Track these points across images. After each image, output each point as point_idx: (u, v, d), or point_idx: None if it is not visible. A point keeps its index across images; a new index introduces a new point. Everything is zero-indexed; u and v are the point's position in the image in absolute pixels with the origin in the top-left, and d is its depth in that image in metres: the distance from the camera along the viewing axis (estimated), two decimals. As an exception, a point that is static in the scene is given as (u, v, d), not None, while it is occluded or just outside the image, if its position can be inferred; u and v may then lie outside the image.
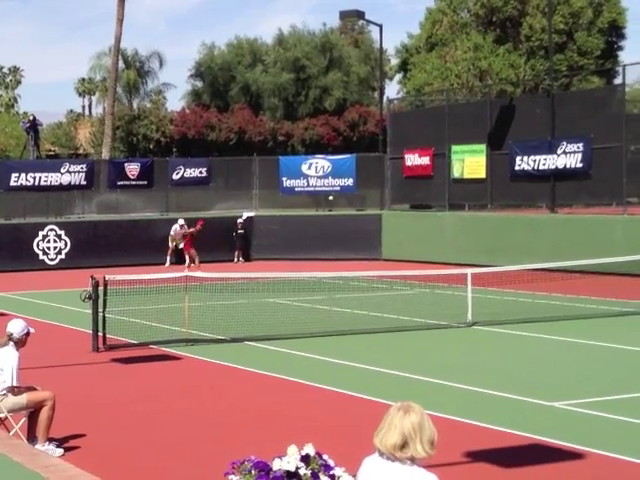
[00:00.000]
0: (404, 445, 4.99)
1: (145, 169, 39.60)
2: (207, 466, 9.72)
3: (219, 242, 37.17)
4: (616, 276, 25.72)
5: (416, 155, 36.78)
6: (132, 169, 39.32)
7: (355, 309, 22.19)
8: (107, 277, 17.91)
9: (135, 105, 67.59)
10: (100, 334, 17.34)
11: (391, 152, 38.48)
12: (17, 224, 36.71)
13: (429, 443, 4.98)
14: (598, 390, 13.40)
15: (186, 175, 40.23)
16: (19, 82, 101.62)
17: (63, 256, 36.10)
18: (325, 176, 39.87)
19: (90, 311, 17.52)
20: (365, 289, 25.86)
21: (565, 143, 31.24)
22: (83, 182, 38.34)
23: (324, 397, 13.33)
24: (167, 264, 35.18)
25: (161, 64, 68.40)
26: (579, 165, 30.86)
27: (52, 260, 35.98)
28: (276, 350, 17.26)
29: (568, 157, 31.16)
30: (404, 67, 63.54)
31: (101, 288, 17.51)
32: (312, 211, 40.77)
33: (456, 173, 35.19)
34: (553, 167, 31.64)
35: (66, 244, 36.19)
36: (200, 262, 33.94)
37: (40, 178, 37.67)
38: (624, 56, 60.91)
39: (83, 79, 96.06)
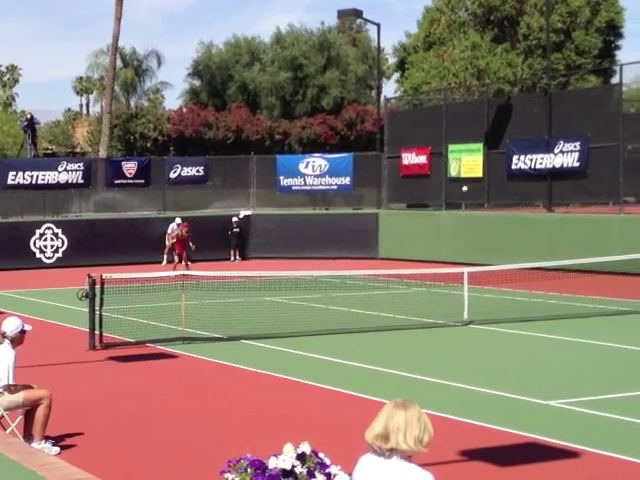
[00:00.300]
0: (386, 436, 4.99)
1: (142, 168, 39.60)
2: (204, 464, 9.73)
3: (216, 241, 37.19)
4: (612, 275, 25.73)
5: (413, 154, 36.79)
6: (129, 168, 39.32)
7: (352, 308, 22.20)
8: (104, 275, 17.92)
9: (133, 104, 67.56)
10: (97, 332, 17.35)
11: (388, 151, 38.49)
12: (14, 222, 36.72)
13: (414, 439, 4.97)
14: (594, 389, 13.41)
15: (183, 174, 40.23)
16: (17, 81, 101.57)
17: (60, 254, 36.11)
18: (322, 175, 39.88)
19: (87, 309, 17.53)
20: (362, 288, 25.88)
21: (562, 142, 31.25)
22: (80, 181, 38.33)
23: (321, 396, 13.34)
24: (164, 263, 35.18)
25: (159, 63, 68.41)
26: (576, 164, 30.88)
27: (49, 258, 35.98)
28: (273, 349, 17.27)
29: (565, 156, 31.18)
30: (402, 66, 63.60)
31: (98, 286, 17.53)
32: (309, 210, 40.77)
33: (453, 172, 35.20)
34: (550, 166, 31.66)
35: (63, 242, 36.19)
36: (191, 262, 34.10)
37: (37, 176, 37.66)
38: (621, 55, 61.18)
39: (81, 77, 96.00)
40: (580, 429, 11.28)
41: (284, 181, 40.34)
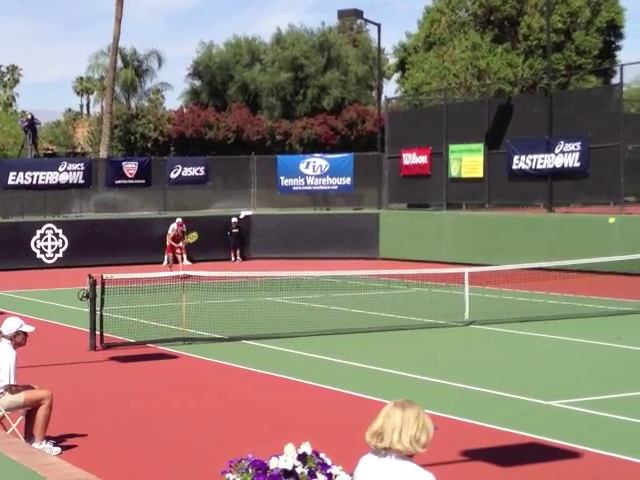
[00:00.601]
0: (381, 435, 4.99)
1: (143, 168, 39.61)
2: (205, 465, 9.73)
3: (217, 241, 37.21)
4: (613, 275, 25.73)
5: (414, 154, 36.79)
6: (130, 168, 39.32)
7: (352, 308, 22.20)
8: (105, 276, 17.93)
9: (133, 104, 67.60)
10: (97, 333, 17.35)
11: (389, 151, 38.50)
12: (15, 223, 36.72)
13: (410, 438, 4.96)
14: (595, 389, 13.41)
15: (184, 174, 40.23)
16: (17, 81, 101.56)
17: (61, 255, 36.11)
18: (323, 175, 39.88)
19: (88, 310, 17.53)
20: (362, 288, 25.88)
21: (563, 142, 31.25)
22: (81, 181, 38.33)
23: (322, 396, 13.34)
24: (165, 263, 35.19)
25: (160, 63, 68.46)
26: (576, 164, 30.87)
27: (50, 259, 35.99)
28: (274, 349, 17.27)
29: (566, 156, 31.18)
30: (402, 66, 63.58)
31: (99, 287, 17.53)
32: (310, 210, 40.77)
33: (454, 172, 35.20)
34: (551, 166, 31.65)
35: (64, 243, 36.19)
36: (192, 262, 34.23)
37: (38, 177, 37.66)
38: (622, 55, 61.17)
39: (81, 78, 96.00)
40: (581, 429, 11.28)
41: (285, 181, 40.35)
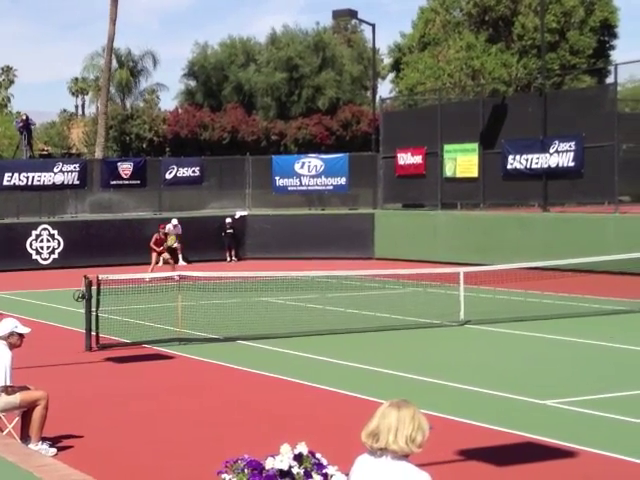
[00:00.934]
0: (377, 435, 5.01)
1: (138, 168, 39.58)
2: (201, 465, 9.74)
3: (213, 241, 37.24)
4: (608, 275, 25.76)
5: (409, 154, 36.82)
6: (125, 169, 39.30)
7: (348, 308, 22.22)
8: (100, 276, 17.93)
9: (128, 105, 67.56)
10: (93, 333, 17.35)
11: (384, 151, 38.51)
12: (10, 224, 36.68)
13: (406, 438, 4.98)
14: (590, 388, 13.44)
15: (179, 174, 40.22)
16: (12, 82, 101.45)
17: (56, 256, 36.09)
18: (318, 175, 39.90)
19: (83, 310, 17.54)
20: (358, 288, 25.90)
21: (557, 142, 31.29)
22: (76, 182, 38.30)
23: (317, 396, 13.36)
24: (160, 264, 35.12)
25: (154, 63, 68.41)
26: (571, 164, 30.92)
27: (45, 260, 35.97)
28: (269, 349, 17.28)
29: (560, 156, 31.22)
30: (397, 66, 63.56)
31: (94, 287, 17.53)
32: (305, 210, 40.78)
33: (448, 172, 35.24)
34: (545, 166, 31.70)
35: (59, 244, 36.18)
36: (188, 262, 34.28)
37: (33, 178, 37.64)
38: (616, 55, 61.15)
39: (76, 79, 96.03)
40: (576, 428, 11.31)
41: (280, 181, 40.36)
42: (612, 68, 33.85)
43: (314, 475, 5.46)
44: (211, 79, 64.18)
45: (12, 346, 10.37)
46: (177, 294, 18.60)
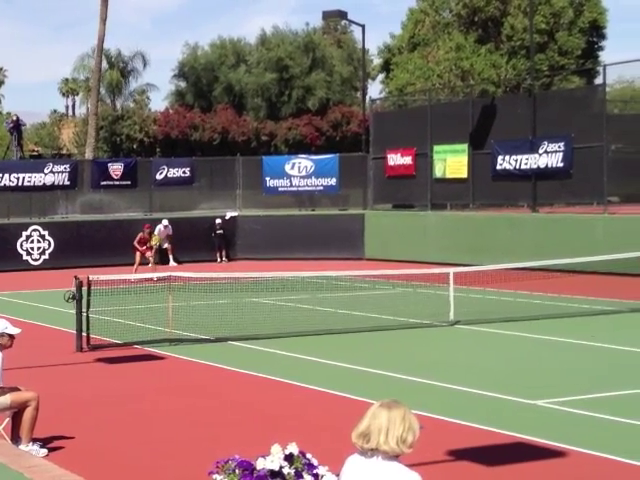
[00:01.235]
0: (368, 436, 5.04)
1: (129, 169, 39.57)
2: (192, 465, 9.76)
3: (203, 242, 37.27)
4: (597, 275, 25.84)
5: (398, 155, 36.87)
6: (116, 169, 39.28)
7: (338, 308, 22.25)
8: (91, 277, 17.92)
9: (119, 105, 67.46)
10: (84, 334, 17.34)
11: (374, 152, 38.56)
12: (0, 224, 36.61)
13: (397, 438, 5.00)
14: (581, 388, 13.48)
15: (169, 175, 40.22)
16: (2, 82, 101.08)
17: (47, 256, 36.06)
18: (308, 176, 39.94)
19: (74, 311, 17.53)
20: (348, 288, 25.93)
21: (546, 143, 31.37)
22: (67, 182, 38.27)
23: (307, 396, 13.38)
24: (150, 264, 35.09)
25: (145, 64, 68.28)
26: (560, 164, 31.00)
27: (36, 260, 35.93)
28: (260, 349, 17.30)
29: (549, 157, 31.30)
30: (386, 67, 63.62)
31: (85, 288, 17.52)
32: (295, 211, 40.82)
33: (438, 173, 35.30)
34: (534, 166, 31.78)
35: (50, 244, 36.15)
36: (178, 263, 34.60)
37: (23, 178, 37.59)
38: (605, 56, 61.05)
39: (67, 79, 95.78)
40: (566, 429, 11.34)
41: (270, 182, 40.38)
42: (601, 69, 34.00)
43: (305, 475, 5.48)
44: (201, 80, 64.13)
45: (2, 347, 10.36)
46: (168, 295, 18.61)
